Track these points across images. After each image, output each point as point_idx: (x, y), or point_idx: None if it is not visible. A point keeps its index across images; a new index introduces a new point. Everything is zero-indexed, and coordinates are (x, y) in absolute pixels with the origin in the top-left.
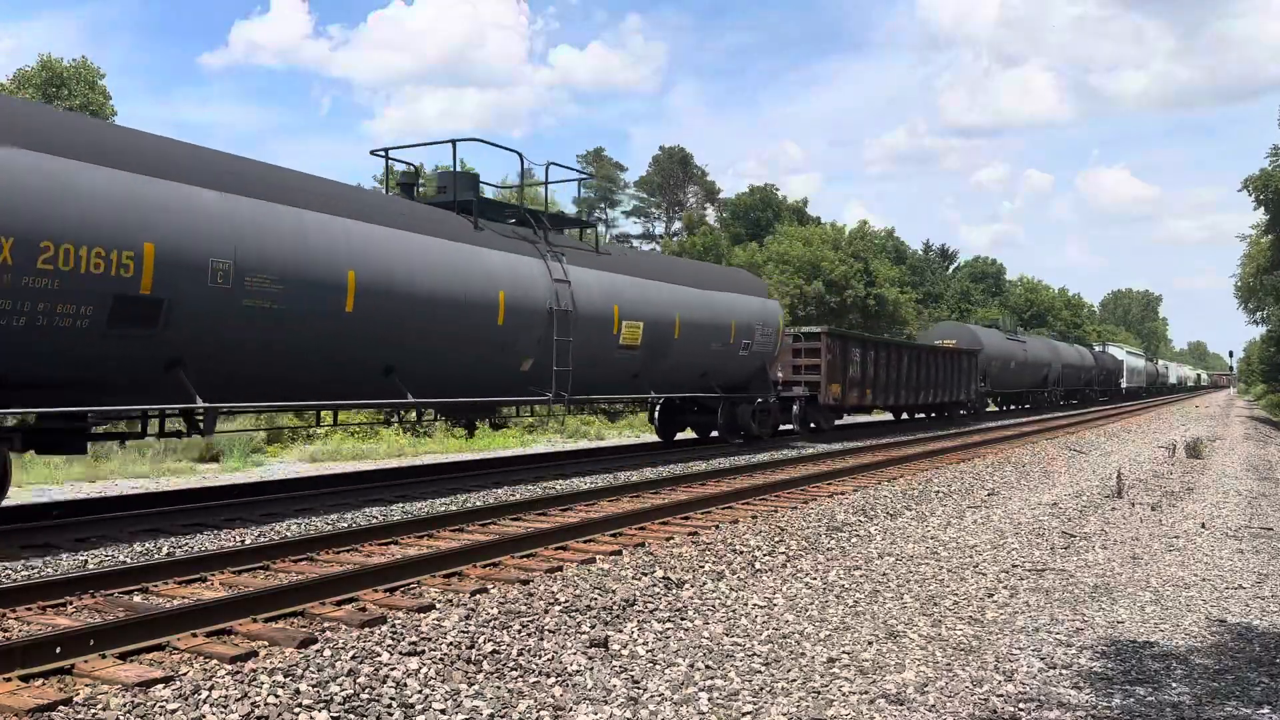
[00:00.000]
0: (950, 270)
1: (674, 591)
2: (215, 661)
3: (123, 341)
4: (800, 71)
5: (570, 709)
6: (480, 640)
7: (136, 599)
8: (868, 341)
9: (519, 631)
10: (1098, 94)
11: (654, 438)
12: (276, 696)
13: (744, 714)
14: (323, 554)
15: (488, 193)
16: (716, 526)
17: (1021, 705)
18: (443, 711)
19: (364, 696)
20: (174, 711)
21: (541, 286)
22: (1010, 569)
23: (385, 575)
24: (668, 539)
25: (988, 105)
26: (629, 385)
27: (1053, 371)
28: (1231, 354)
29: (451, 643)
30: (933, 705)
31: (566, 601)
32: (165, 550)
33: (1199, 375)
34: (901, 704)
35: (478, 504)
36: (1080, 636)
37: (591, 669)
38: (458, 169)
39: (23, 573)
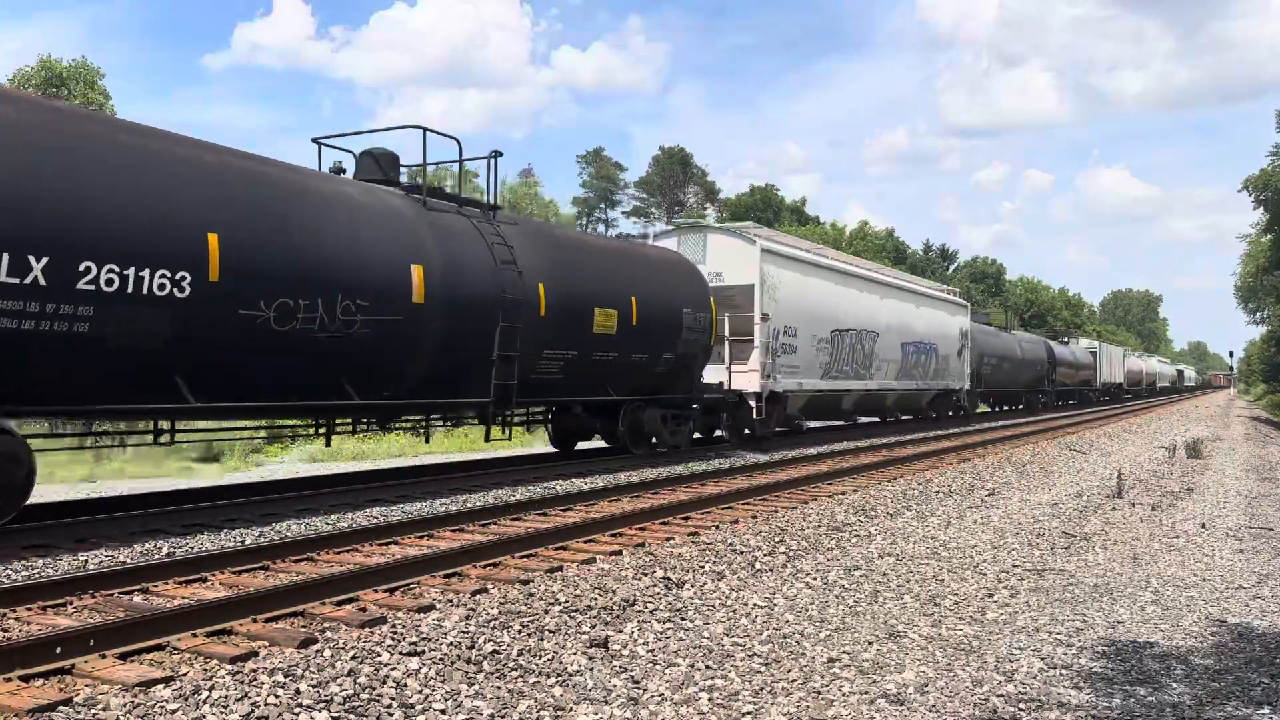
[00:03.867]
0: (950, 270)
1: (674, 591)
2: (215, 661)
3: None
4: (800, 71)
5: (570, 709)
6: (480, 640)
7: (136, 599)
8: None
9: (519, 631)
10: (1098, 94)
11: None
12: (276, 696)
13: (744, 714)
14: (323, 554)
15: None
16: (717, 526)
17: (1021, 705)
18: (443, 712)
19: (364, 697)
20: (174, 711)
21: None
22: (1010, 569)
23: (385, 575)
24: (668, 539)
25: (988, 105)
26: None
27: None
28: (1232, 354)
29: (452, 643)
30: (933, 705)
31: (567, 601)
32: (165, 550)
33: (1180, 372)
34: (901, 704)
35: (478, 504)
36: (1080, 637)
37: (592, 669)
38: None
39: (23, 573)
